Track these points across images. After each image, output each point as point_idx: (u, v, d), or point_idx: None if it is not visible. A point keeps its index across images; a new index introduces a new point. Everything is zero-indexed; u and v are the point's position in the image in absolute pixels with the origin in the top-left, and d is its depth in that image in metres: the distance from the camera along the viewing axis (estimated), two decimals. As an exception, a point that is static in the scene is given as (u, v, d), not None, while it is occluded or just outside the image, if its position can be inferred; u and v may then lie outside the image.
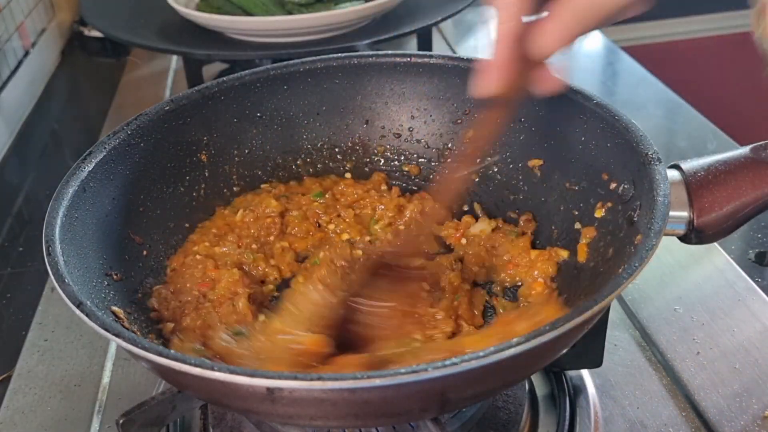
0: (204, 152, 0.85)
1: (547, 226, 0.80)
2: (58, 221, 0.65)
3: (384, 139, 0.91)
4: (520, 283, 0.77)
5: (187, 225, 0.82)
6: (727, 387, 0.79)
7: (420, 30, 1.35)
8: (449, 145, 0.90)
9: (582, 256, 0.73)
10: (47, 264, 0.61)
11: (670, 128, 1.33)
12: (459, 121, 0.89)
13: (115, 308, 0.65)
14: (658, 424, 0.75)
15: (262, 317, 0.73)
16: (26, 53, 1.54)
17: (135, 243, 0.76)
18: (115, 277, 0.69)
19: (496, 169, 0.86)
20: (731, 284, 0.92)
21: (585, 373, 0.81)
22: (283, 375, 0.51)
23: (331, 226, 0.85)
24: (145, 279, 0.75)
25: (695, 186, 0.67)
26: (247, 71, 0.88)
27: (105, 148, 0.75)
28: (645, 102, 1.42)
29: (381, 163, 0.92)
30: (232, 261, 0.79)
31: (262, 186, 0.88)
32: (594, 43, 1.69)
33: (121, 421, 0.65)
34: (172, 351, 0.52)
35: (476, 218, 0.85)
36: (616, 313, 0.90)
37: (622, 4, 0.59)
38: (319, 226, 0.86)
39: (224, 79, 0.86)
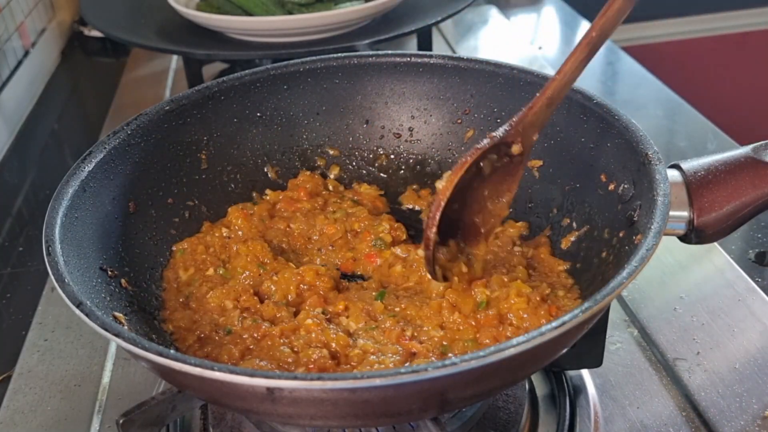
0: (204, 152, 0.85)
1: (546, 226, 0.80)
2: (58, 221, 0.65)
3: (384, 139, 0.91)
4: None
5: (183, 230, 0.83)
6: (727, 387, 0.79)
7: (420, 30, 1.35)
8: (449, 144, 0.90)
9: (575, 254, 0.74)
10: (47, 264, 0.61)
11: (670, 128, 1.33)
12: (459, 121, 0.89)
13: (116, 314, 0.65)
14: (658, 424, 0.75)
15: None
16: (26, 53, 1.54)
17: (135, 242, 0.76)
18: (110, 273, 0.69)
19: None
20: (731, 284, 0.92)
21: (585, 373, 0.81)
22: (283, 375, 0.51)
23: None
24: (146, 278, 0.75)
25: (695, 186, 0.67)
26: (247, 71, 0.88)
27: (105, 148, 0.75)
28: (645, 102, 1.42)
29: (380, 164, 0.92)
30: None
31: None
32: (594, 43, 1.69)
33: (121, 421, 0.65)
34: (171, 351, 0.52)
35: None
36: (616, 313, 0.90)
37: None
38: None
39: (224, 79, 0.86)
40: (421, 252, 0.73)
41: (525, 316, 0.68)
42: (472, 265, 0.73)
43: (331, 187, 0.90)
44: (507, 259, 0.77)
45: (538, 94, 0.70)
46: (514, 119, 0.70)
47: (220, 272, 0.77)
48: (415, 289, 0.75)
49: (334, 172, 0.91)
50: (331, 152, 0.92)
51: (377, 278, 0.78)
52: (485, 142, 0.69)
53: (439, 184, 0.70)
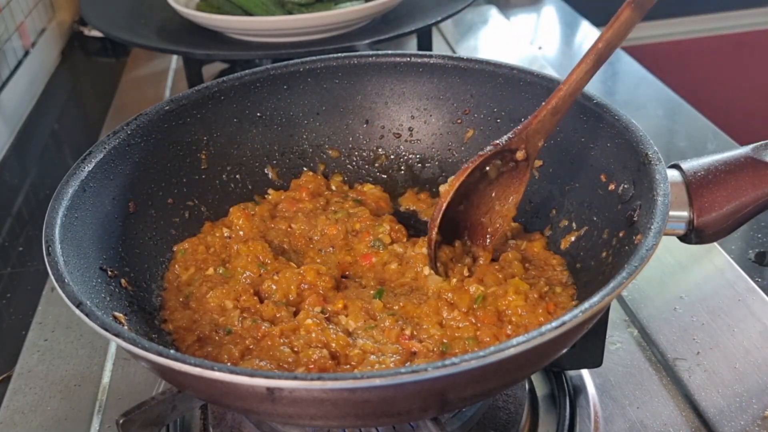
0: (204, 152, 0.85)
1: (546, 226, 0.81)
2: (58, 221, 0.65)
3: (384, 139, 0.91)
4: None
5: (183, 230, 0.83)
6: (727, 387, 0.79)
7: (420, 30, 1.35)
8: (449, 144, 0.90)
9: (575, 254, 0.74)
10: (47, 264, 0.61)
11: (670, 128, 1.33)
12: (459, 121, 0.89)
13: (116, 314, 0.65)
14: (658, 424, 0.75)
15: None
16: (26, 53, 1.54)
17: (135, 242, 0.76)
18: (110, 273, 0.69)
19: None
20: (731, 284, 0.92)
21: (585, 373, 0.81)
22: (283, 375, 0.51)
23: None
24: (146, 278, 0.75)
25: (695, 186, 0.67)
26: (247, 71, 0.88)
27: (105, 148, 0.75)
28: (645, 102, 1.42)
29: (380, 164, 0.92)
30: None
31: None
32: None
33: (121, 421, 0.65)
34: (171, 351, 0.52)
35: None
36: (616, 313, 0.90)
37: None
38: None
39: (224, 79, 0.86)
40: (418, 249, 0.76)
41: (523, 313, 0.68)
42: (474, 271, 0.75)
43: (334, 187, 0.90)
44: (500, 251, 0.78)
45: (543, 103, 0.72)
46: (518, 127, 0.73)
47: (220, 271, 0.77)
48: (411, 285, 0.75)
49: (334, 174, 0.91)
50: (331, 153, 0.92)
51: (372, 276, 0.78)
52: (488, 148, 0.72)
53: (443, 188, 0.74)
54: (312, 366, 0.64)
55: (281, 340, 0.68)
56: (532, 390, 0.78)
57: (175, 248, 0.80)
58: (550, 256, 0.77)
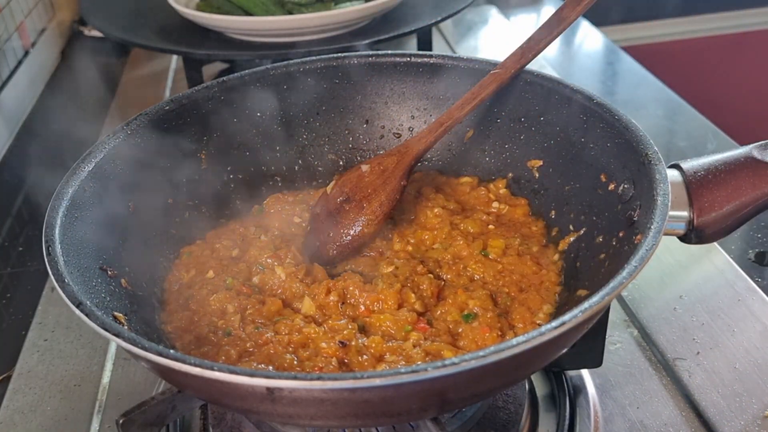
0: (204, 152, 0.85)
1: (546, 226, 0.81)
2: (58, 221, 0.65)
3: (384, 139, 0.91)
4: None
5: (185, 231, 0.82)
6: (727, 387, 0.79)
7: (420, 30, 1.35)
8: (449, 144, 0.90)
9: (575, 254, 0.74)
10: (47, 264, 0.61)
11: (670, 128, 1.33)
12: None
13: (116, 314, 0.65)
14: (658, 424, 0.75)
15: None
16: (26, 53, 1.54)
17: (135, 242, 0.76)
18: (110, 273, 0.69)
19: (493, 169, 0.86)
20: (731, 284, 0.92)
21: (585, 373, 0.81)
22: (283, 375, 0.51)
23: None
24: (146, 278, 0.75)
25: (695, 186, 0.67)
26: (247, 71, 0.88)
27: (105, 148, 0.75)
28: (645, 102, 1.42)
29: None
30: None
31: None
32: (594, 43, 1.69)
33: (121, 421, 0.65)
34: (171, 351, 0.52)
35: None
36: (616, 313, 0.90)
37: None
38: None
39: (224, 79, 0.86)
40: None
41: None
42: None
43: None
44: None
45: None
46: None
47: (228, 282, 0.75)
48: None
49: (333, 176, 0.91)
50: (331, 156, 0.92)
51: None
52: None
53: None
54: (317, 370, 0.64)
55: (287, 348, 0.67)
56: (532, 390, 0.78)
57: (182, 250, 0.80)
58: (531, 222, 0.79)
